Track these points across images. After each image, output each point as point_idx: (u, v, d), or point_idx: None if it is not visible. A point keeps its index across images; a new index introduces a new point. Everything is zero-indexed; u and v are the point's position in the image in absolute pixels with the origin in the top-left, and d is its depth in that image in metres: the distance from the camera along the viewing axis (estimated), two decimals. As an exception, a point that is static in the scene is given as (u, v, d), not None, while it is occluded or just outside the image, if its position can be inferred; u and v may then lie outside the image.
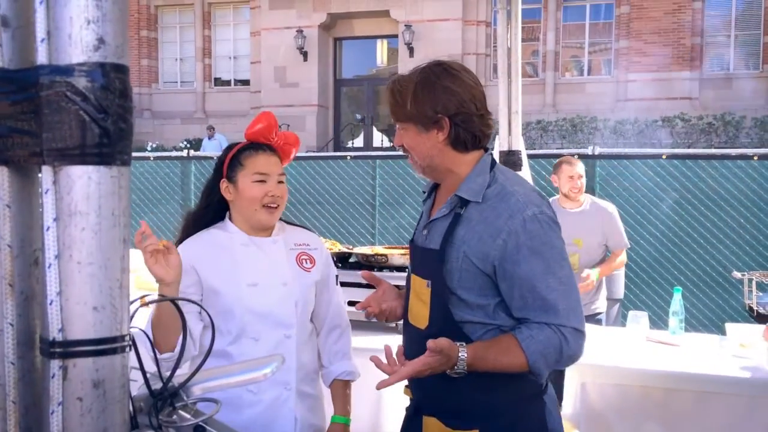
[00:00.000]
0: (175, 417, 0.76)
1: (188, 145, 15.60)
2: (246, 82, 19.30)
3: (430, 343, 1.65)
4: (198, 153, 8.17)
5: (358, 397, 2.26)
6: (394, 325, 3.16)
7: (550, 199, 4.26)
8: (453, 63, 1.72)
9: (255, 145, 2.01)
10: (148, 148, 15.56)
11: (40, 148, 0.55)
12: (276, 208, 1.99)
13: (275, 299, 1.97)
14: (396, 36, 17.37)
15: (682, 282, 5.52)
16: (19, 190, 0.60)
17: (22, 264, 0.60)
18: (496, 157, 2.95)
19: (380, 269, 3.22)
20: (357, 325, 3.06)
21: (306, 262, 2.07)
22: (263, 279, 1.96)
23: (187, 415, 0.78)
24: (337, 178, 7.04)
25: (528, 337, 1.58)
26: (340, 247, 3.56)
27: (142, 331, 0.67)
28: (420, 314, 1.74)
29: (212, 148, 14.94)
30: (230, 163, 1.99)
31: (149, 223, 7.76)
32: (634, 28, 16.73)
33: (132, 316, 0.61)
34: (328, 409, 2.18)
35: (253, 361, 0.97)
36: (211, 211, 2.06)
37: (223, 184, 2.00)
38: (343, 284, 3.12)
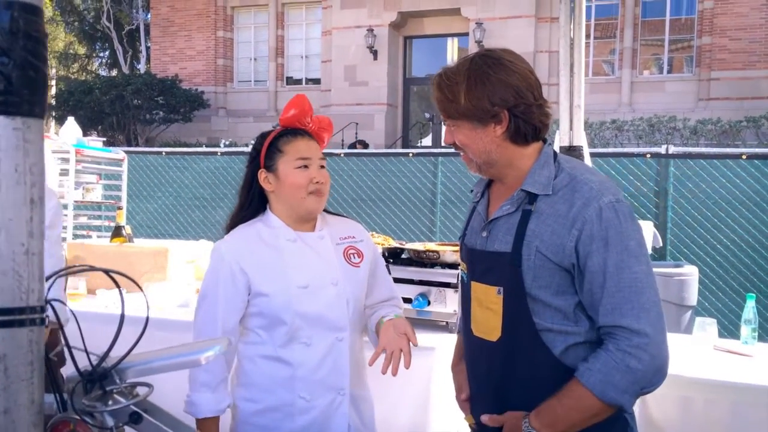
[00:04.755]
0: (110, 402, 0.70)
1: (259, 143, 15.83)
2: (317, 81, 19.53)
3: (484, 418, 1.60)
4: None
5: (402, 396, 2.17)
6: (444, 323, 3.07)
7: None
8: (504, 51, 1.60)
9: (292, 131, 1.92)
10: (221, 146, 15.94)
11: (-69, 95, 0.50)
12: (322, 194, 1.90)
13: (327, 301, 1.87)
14: (466, 34, 17.19)
15: (759, 288, 5.17)
16: None
17: None
18: (555, 151, 2.81)
19: (432, 266, 3.13)
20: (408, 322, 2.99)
21: (354, 257, 1.98)
22: (314, 280, 1.87)
23: (123, 399, 0.72)
24: (399, 175, 6.98)
25: (585, 370, 1.47)
26: (392, 243, 3.49)
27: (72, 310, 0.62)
28: (489, 325, 1.61)
29: (282, 146, 15.11)
30: (268, 151, 1.90)
31: (218, 219, 7.90)
32: (718, 24, 15.98)
33: (50, 288, 0.55)
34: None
35: (195, 343, 0.91)
36: (252, 209, 1.96)
37: (262, 175, 1.90)
38: (394, 280, 3.06)
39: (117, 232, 3.93)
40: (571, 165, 1.60)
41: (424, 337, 2.91)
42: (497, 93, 1.53)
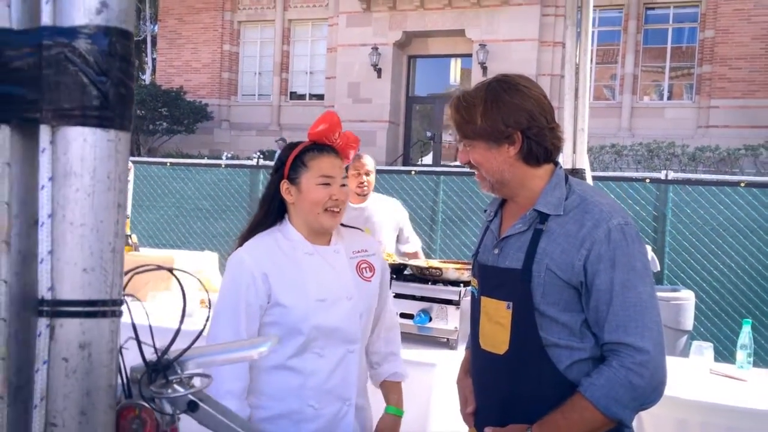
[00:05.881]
0: (169, 390, 0.76)
1: (261, 156, 15.93)
2: (320, 97, 19.64)
3: (488, 430, 1.64)
4: (268, 162, 8.29)
5: (406, 407, 2.21)
6: (445, 339, 3.11)
7: None
8: (520, 77, 1.69)
9: (318, 146, 1.94)
10: (223, 158, 16.00)
11: (40, 108, 0.56)
12: (338, 212, 1.93)
13: (342, 315, 1.91)
14: (470, 55, 17.33)
15: (754, 314, 5.22)
16: (21, 149, 0.60)
17: (22, 223, 0.60)
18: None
19: (434, 282, 3.18)
20: (410, 338, 3.03)
21: (366, 271, 2.02)
22: (330, 294, 1.90)
23: (181, 389, 0.78)
24: (401, 192, 7.03)
25: (589, 385, 1.53)
26: (395, 259, 3.54)
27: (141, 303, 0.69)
28: (497, 338, 1.67)
29: (283, 160, 15.14)
30: (293, 164, 1.92)
31: (218, 230, 7.89)
32: (718, 53, 16.15)
33: (126, 284, 0.61)
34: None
35: (248, 340, 0.97)
36: (272, 218, 1.99)
37: (284, 186, 1.93)
38: (396, 296, 3.10)
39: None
40: (582, 188, 1.67)
41: (424, 354, 2.95)
42: (512, 115, 1.60)
